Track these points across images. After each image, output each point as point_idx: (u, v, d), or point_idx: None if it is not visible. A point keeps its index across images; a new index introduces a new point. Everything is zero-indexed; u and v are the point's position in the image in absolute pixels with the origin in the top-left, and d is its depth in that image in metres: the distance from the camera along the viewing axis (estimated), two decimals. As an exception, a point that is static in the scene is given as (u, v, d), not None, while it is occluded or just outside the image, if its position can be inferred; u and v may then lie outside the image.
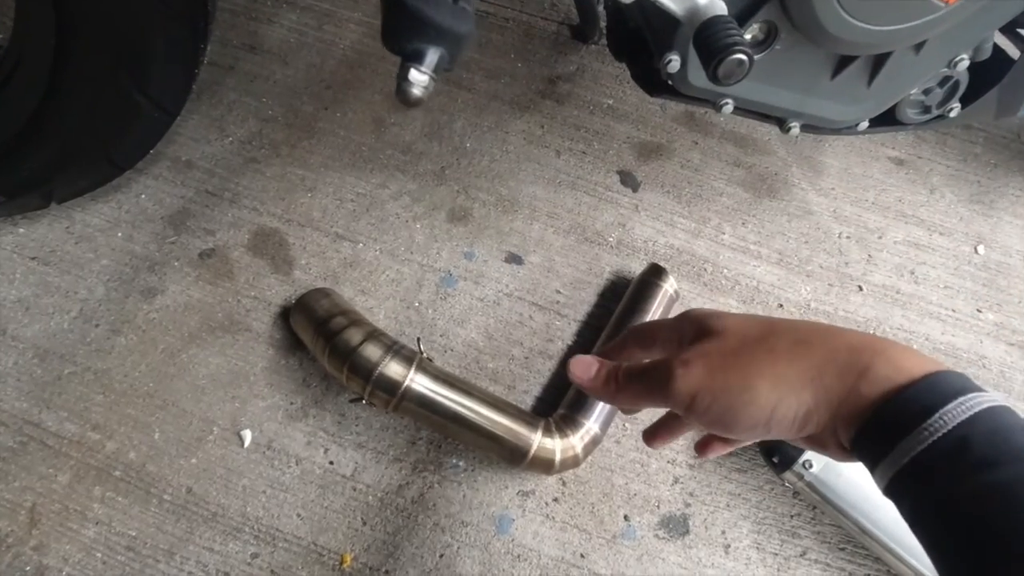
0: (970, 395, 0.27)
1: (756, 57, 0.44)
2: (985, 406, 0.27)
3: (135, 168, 0.76)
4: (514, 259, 0.80)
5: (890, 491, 0.29)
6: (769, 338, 0.32)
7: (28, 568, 0.61)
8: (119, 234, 0.76)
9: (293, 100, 0.87)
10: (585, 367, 0.37)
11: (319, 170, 0.83)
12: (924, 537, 0.28)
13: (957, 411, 0.26)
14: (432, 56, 0.35)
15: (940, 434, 0.26)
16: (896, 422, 0.27)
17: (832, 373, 0.30)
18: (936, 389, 0.27)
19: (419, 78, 0.35)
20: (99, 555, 0.62)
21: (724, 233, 0.85)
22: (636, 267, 0.81)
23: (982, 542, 0.25)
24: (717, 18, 0.44)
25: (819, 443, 0.33)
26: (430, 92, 0.36)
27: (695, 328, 0.35)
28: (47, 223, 0.76)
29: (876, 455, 0.28)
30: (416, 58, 0.35)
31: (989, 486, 0.25)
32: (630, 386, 0.35)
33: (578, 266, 0.81)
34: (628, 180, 0.87)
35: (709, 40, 0.43)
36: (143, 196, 0.79)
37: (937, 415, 0.26)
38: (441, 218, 0.82)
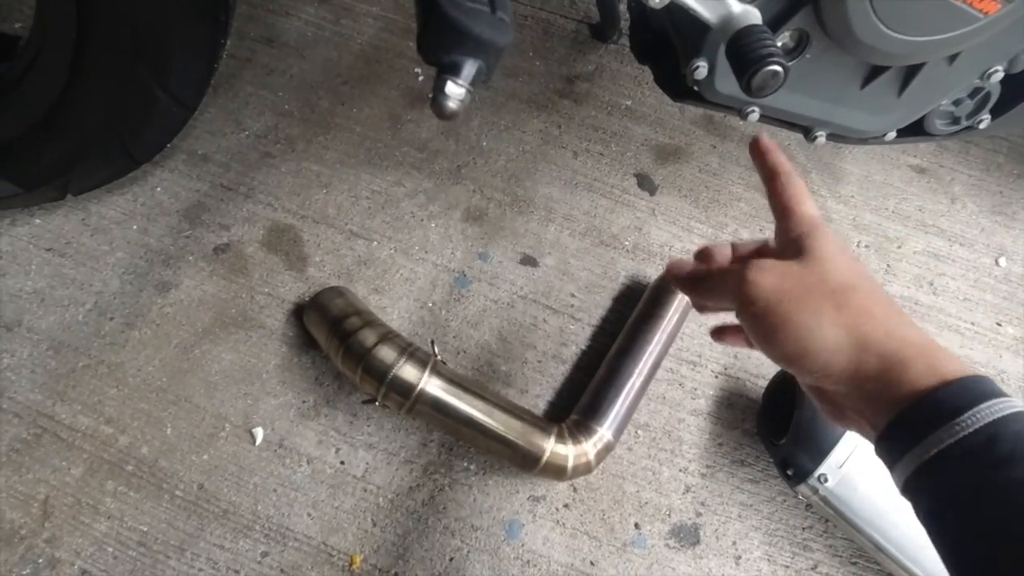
0: (1001, 399, 0.29)
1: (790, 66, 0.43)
2: (1014, 410, 0.29)
3: (151, 161, 0.75)
4: (529, 261, 0.80)
5: (913, 481, 0.30)
6: (848, 292, 0.33)
7: (41, 560, 0.61)
8: (134, 227, 0.76)
9: (309, 95, 0.86)
10: (680, 266, 0.43)
11: (334, 166, 0.82)
12: (941, 528, 0.30)
13: (988, 411, 0.29)
14: (470, 68, 0.35)
15: (970, 430, 0.28)
16: (930, 416, 0.30)
17: (874, 357, 0.32)
18: (970, 390, 0.30)
19: (456, 91, 0.34)
20: (110, 550, 0.62)
21: (742, 239, 0.84)
22: (652, 272, 0.80)
23: (1000, 533, 0.27)
24: (752, 27, 0.42)
25: (837, 407, 0.35)
26: (466, 105, 0.35)
27: (796, 236, 0.37)
28: (63, 215, 0.76)
29: (906, 443, 0.30)
30: (453, 70, 0.34)
31: (1014, 481, 0.27)
32: (702, 284, 0.40)
33: (593, 270, 0.80)
34: (645, 183, 0.86)
35: (744, 50, 0.42)
36: (159, 189, 0.79)
37: (969, 413, 0.29)
38: (456, 217, 0.81)
